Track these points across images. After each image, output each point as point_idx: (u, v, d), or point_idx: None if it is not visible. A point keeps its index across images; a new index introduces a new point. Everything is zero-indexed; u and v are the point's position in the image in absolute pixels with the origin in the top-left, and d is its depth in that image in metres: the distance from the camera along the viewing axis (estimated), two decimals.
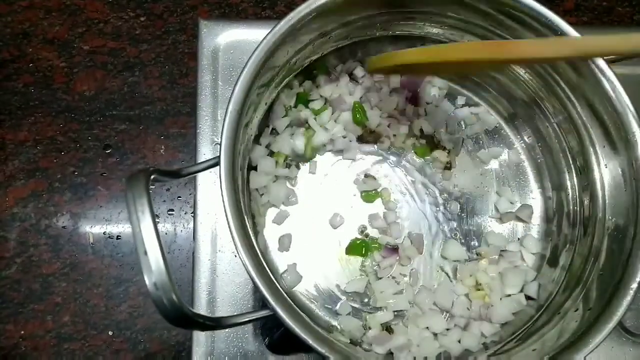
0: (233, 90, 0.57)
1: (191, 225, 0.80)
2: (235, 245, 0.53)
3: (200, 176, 0.75)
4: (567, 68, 0.65)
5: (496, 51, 0.60)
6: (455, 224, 0.77)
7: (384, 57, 0.65)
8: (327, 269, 0.74)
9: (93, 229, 0.80)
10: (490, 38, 0.70)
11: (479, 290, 0.73)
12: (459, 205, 0.77)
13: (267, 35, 0.59)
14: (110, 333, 0.77)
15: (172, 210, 0.82)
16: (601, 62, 0.61)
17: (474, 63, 0.62)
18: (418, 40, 0.76)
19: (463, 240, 0.76)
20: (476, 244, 0.76)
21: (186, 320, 0.48)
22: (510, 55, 0.60)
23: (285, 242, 0.73)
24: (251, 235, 0.56)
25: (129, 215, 0.46)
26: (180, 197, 0.82)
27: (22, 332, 0.76)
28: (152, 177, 0.49)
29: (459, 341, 0.70)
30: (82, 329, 0.77)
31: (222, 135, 0.55)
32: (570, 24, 0.63)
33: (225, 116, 0.56)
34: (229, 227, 0.53)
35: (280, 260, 0.74)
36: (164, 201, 0.82)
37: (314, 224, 0.75)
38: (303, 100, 0.77)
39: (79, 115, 0.84)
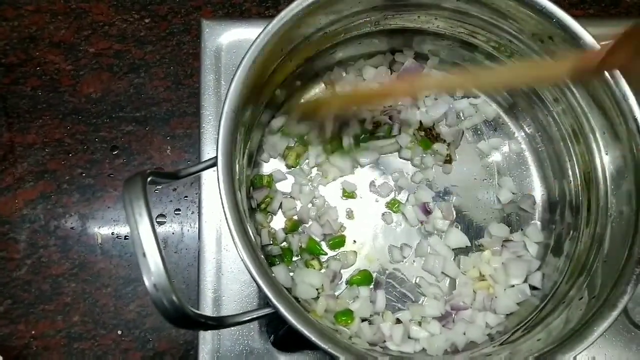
0: (227, 91, 0.57)
1: (198, 224, 0.81)
2: (235, 244, 0.53)
3: (205, 175, 0.75)
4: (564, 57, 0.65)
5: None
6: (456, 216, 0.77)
7: (311, 104, 0.76)
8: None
9: (101, 230, 0.81)
10: (486, 29, 0.71)
11: (482, 281, 0.73)
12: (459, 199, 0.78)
13: (259, 34, 0.59)
14: (119, 332, 0.78)
15: (179, 210, 0.82)
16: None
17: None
18: (414, 33, 0.76)
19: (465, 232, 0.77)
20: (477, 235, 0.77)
21: (187, 320, 0.48)
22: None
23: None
24: (251, 233, 0.56)
25: (127, 218, 0.46)
26: (187, 196, 0.83)
27: (33, 331, 0.77)
28: (150, 179, 0.49)
29: (464, 333, 0.70)
30: (91, 328, 0.78)
31: (218, 136, 0.55)
32: (577, 16, 0.63)
33: (220, 117, 0.56)
34: (228, 226, 0.54)
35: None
36: (171, 201, 0.82)
37: None
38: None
39: (86, 117, 0.85)
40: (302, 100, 0.76)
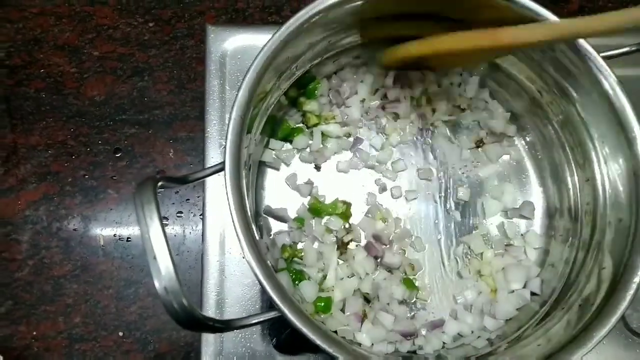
0: (236, 97, 0.58)
1: (200, 227, 0.81)
2: (242, 248, 0.54)
3: (209, 179, 0.76)
4: (566, 66, 0.66)
5: (489, 38, 0.62)
6: (459, 221, 0.78)
7: (391, 51, 0.72)
8: None
9: (103, 232, 0.82)
10: None
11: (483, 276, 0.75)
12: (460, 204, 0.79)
13: (268, 41, 0.60)
14: (120, 334, 0.78)
15: (181, 212, 0.83)
16: (599, 60, 0.62)
17: (473, 53, 0.66)
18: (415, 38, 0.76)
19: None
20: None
21: (196, 323, 0.49)
22: (504, 41, 0.61)
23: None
24: (257, 237, 0.56)
25: (138, 221, 0.47)
26: (189, 199, 0.83)
27: (35, 333, 0.78)
28: (160, 183, 0.50)
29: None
30: (92, 329, 0.78)
31: (226, 140, 0.56)
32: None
33: (229, 122, 0.57)
34: (236, 231, 0.54)
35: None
36: (173, 204, 0.83)
37: None
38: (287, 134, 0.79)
39: (90, 119, 0.86)
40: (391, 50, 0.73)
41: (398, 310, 0.71)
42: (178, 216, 0.83)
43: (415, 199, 0.78)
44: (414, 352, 0.71)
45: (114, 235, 0.82)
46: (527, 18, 0.63)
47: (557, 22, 0.63)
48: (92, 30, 0.89)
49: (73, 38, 0.89)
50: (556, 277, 0.71)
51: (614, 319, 0.57)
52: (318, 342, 0.54)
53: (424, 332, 0.72)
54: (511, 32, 0.61)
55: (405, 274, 0.74)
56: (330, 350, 0.54)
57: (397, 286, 0.72)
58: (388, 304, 0.72)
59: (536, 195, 0.80)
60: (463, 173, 0.80)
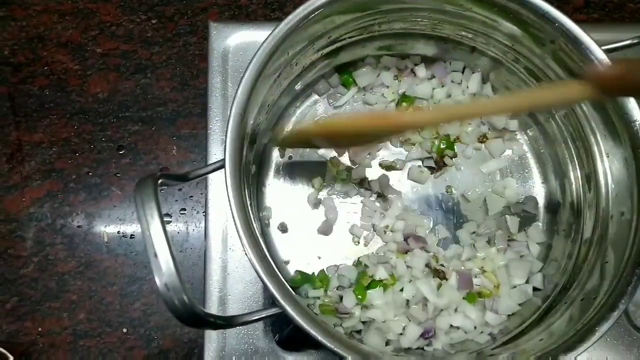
0: (235, 94, 0.58)
1: (203, 224, 0.81)
2: (243, 245, 0.54)
3: (212, 176, 0.76)
4: (567, 60, 0.66)
5: (382, 122, 0.62)
6: (460, 217, 0.78)
7: (288, 135, 0.75)
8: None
9: (107, 228, 0.82)
10: (489, 35, 0.72)
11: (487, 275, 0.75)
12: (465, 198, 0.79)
13: (267, 38, 0.60)
14: (124, 330, 0.79)
15: (184, 209, 0.83)
16: (600, 53, 0.62)
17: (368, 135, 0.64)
18: (418, 37, 0.77)
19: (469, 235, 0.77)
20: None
21: (197, 319, 0.49)
22: (395, 126, 0.61)
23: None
24: (258, 234, 0.57)
25: (139, 219, 0.47)
26: (192, 196, 0.84)
27: (40, 329, 0.78)
28: (160, 181, 0.50)
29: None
30: (97, 326, 0.79)
31: (226, 138, 0.56)
32: (580, 21, 0.63)
33: (228, 119, 0.57)
34: (236, 228, 0.54)
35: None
36: (176, 201, 0.83)
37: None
38: None
39: (93, 117, 0.86)
40: (286, 131, 0.78)
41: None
42: (181, 213, 0.83)
43: (417, 196, 0.78)
44: (422, 348, 0.71)
45: (118, 232, 0.82)
46: None
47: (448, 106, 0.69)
48: (95, 28, 0.89)
49: (76, 35, 0.89)
50: (559, 272, 0.71)
51: (616, 313, 0.56)
52: (320, 338, 0.54)
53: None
54: (404, 117, 0.62)
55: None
56: (332, 346, 0.55)
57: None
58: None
59: (539, 190, 0.79)
60: (467, 170, 0.80)
